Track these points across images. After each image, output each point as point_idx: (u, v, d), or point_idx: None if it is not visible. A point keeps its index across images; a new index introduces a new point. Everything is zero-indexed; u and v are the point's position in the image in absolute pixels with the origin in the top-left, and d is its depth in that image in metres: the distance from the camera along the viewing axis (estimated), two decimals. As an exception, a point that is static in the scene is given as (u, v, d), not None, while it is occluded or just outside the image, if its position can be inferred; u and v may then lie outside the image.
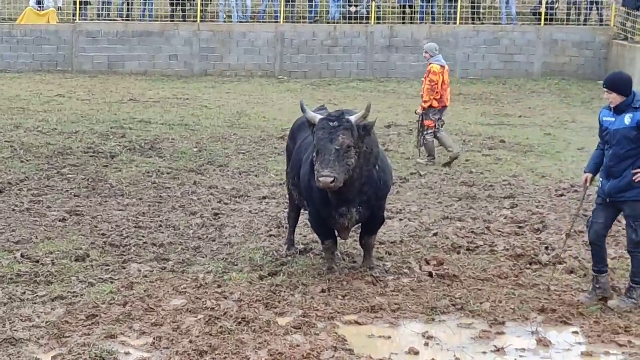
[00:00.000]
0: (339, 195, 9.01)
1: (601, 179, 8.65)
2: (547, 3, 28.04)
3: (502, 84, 26.73)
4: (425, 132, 15.41)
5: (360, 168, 8.89)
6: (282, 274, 9.46)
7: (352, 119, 8.74)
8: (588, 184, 9.04)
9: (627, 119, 8.29)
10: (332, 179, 8.47)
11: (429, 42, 17.87)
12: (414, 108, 21.18)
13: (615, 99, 8.41)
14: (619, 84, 8.47)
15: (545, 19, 28.09)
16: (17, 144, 16.23)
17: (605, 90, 8.54)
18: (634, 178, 8.23)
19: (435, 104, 15.60)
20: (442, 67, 15.73)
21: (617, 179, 8.39)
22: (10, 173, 14.00)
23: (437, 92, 15.54)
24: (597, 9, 28.40)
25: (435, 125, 15.55)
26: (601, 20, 28.36)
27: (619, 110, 8.38)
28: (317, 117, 8.95)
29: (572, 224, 10.04)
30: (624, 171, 8.31)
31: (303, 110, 9.35)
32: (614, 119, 8.43)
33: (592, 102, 23.70)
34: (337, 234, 9.56)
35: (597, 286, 8.72)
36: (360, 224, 9.60)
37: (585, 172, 9.04)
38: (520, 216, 12.04)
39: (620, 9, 27.55)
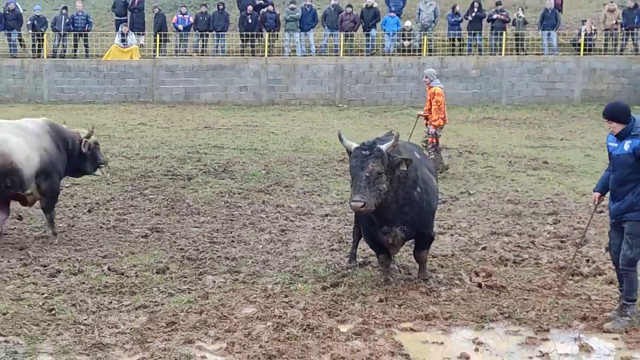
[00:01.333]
0: (378, 216, 9.02)
1: (609, 202, 8.52)
2: (585, 34, 27.80)
3: (545, 109, 26.51)
4: (429, 148, 15.40)
5: (395, 191, 8.86)
6: (343, 285, 9.46)
7: (383, 147, 8.70)
8: (597, 202, 8.92)
9: (627, 145, 8.16)
10: (362, 204, 8.51)
11: (429, 68, 18.07)
12: (463, 132, 21.26)
13: (615, 127, 8.28)
14: (616, 113, 8.33)
15: (584, 49, 27.85)
16: (104, 168, 16.46)
17: (605, 120, 8.42)
18: None
19: (441, 122, 15.95)
20: (442, 89, 16.23)
21: (619, 202, 8.25)
22: (97, 194, 14.23)
23: (442, 111, 15.94)
24: (632, 39, 28.09)
25: (436, 141, 15.85)
26: (636, 50, 28.03)
27: (620, 137, 8.26)
28: (353, 145, 8.92)
29: (582, 236, 10.10)
30: (625, 194, 8.17)
31: (340, 139, 9.32)
32: (616, 145, 8.31)
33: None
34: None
35: (624, 315, 8.38)
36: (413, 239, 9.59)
37: (594, 191, 8.91)
38: (563, 231, 11.93)
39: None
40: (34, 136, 10.99)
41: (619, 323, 8.24)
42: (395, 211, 9.02)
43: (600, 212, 13.04)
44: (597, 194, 8.82)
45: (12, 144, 10.58)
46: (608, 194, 8.57)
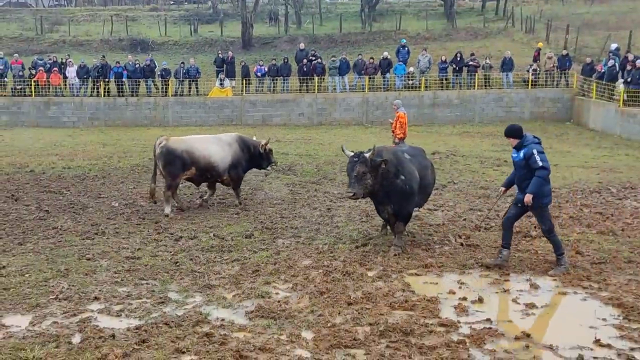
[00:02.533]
0: (375, 200, 9.25)
1: (517, 193, 8.45)
2: (532, 74, 27.48)
3: (504, 125, 25.99)
4: None
5: (380, 183, 8.86)
6: (369, 245, 9.46)
7: (366, 155, 8.83)
8: (502, 194, 8.95)
9: (521, 154, 8.20)
10: (352, 194, 8.76)
11: (397, 99, 18.23)
12: (452, 143, 21.06)
13: (513, 141, 8.35)
14: (512, 132, 8.39)
15: (531, 84, 27.51)
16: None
17: (506, 137, 8.44)
18: (525, 201, 8.10)
19: (402, 136, 16.31)
20: (405, 113, 16.50)
21: (523, 191, 8.22)
22: (204, 185, 14.33)
23: (404, 129, 16.35)
24: (564, 77, 27.66)
25: None
26: (567, 84, 27.58)
27: (517, 148, 8.28)
28: (349, 154, 9.09)
29: (490, 209, 10.47)
30: (526, 187, 8.14)
31: (343, 150, 9.63)
32: (516, 154, 8.32)
33: (562, 136, 23.00)
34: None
35: (500, 256, 8.41)
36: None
37: (501, 186, 8.89)
38: (518, 207, 11.78)
39: (579, 76, 26.80)
40: (227, 144, 11.96)
41: (558, 269, 8.15)
42: (384, 196, 9.03)
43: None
44: (503, 189, 8.83)
45: (211, 150, 11.68)
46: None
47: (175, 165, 11.35)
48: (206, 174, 11.77)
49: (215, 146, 11.81)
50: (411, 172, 9.21)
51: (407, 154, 9.58)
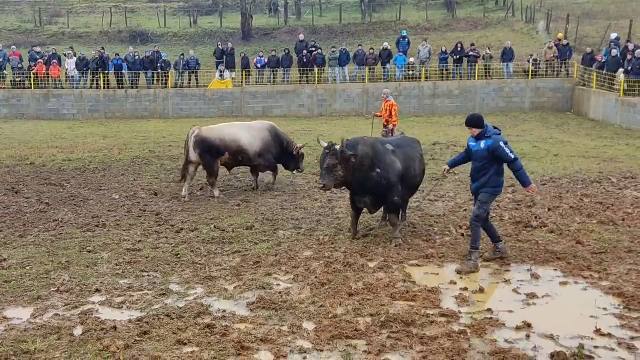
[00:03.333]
0: (351, 191, 9.23)
1: (470, 183, 8.43)
2: (532, 64, 27.42)
3: (505, 115, 26.10)
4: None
5: (353, 175, 8.85)
6: (370, 236, 9.46)
7: (337, 148, 8.84)
8: (446, 172, 9.06)
9: (483, 144, 8.09)
10: (322, 185, 8.83)
11: (386, 89, 18.14)
12: (452, 133, 21.03)
13: (474, 131, 8.18)
14: (474, 122, 8.22)
15: (532, 75, 27.45)
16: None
17: (467, 127, 8.27)
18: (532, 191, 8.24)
19: (396, 123, 16.44)
20: (394, 102, 16.59)
21: (477, 182, 8.19)
22: (202, 179, 14.31)
23: (396, 117, 16.35)
24: (565, 67, 27.59)
25: (392, 134, 15.75)
26: (567, 74, 27.52)
27: (478, 138, 8.15)
28: (324, 145, 9.10)
29: (427, 194, 10.73)
30: (481, 177, 8.12)
31: (318, 142, 9.68)
32: (475, 144, 8.19)
33: (562, 126, 22.98)
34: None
35: (497, 250, 8.35)
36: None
37: (446, 164, 8.96)
38: (518, 198, 11.76)
39: (580, 66, 26.74)
40: (257, 131, 12.56)
41: (466, 265, 8.00)
42: (358, 187, 9.02)
43: (544, 184, 12.89)
44: (447, 167, 8.89)
45: (240, 135, 12.29)
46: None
47: (212, 152, 11.97)
48: (238, 157, 12.35)
49: (244, 132, 12.44)
50: (389, 164, 9.06)
51: (390, 145, 9.38)
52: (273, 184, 13.00)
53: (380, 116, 16.70)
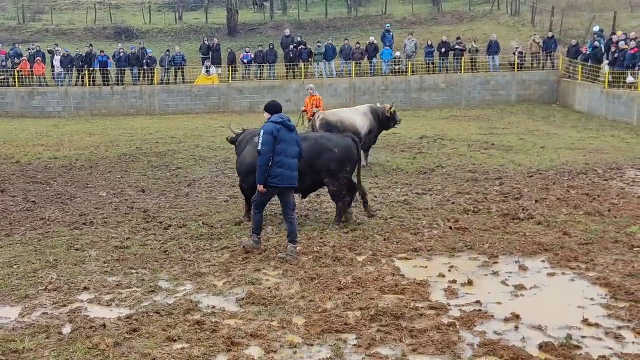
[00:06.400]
0: None
1: None
2: (518, 57, 27.56)
3: (492, 108, 26.23)
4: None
5: None
6: (359, 230, 9.47)
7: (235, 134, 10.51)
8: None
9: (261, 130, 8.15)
10: None
11: (311, 84, 18.12)
12: (439, 127, 21.08)
13: (266, 116, 8.33)
14: (265, 107, 8.48)
15: (518, 67, 27.58)
16: (197, 156, 16.55)
17: (264, 112, 8.43)
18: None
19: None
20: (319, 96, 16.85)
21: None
22: (193, 174, 14.31)
23: (322, 109, 16.18)
24: (550, 60, 27.74)
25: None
26: (553, 66, 27.68)
27: None
28: (237, 132, 10.58)
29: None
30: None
31: (231, 129, 10.85)
32: None
33: (548, 118, 23.13)
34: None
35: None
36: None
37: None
38: (506, 190, 11.83)
39: (565, 59, 26.89)
40: (363, 114, 14.21)
41: (289, 255, 8.13)
42: None
43: (531, 176, 12.97)
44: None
45: (356, 119, 13.96)
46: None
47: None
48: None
49: (357, 116, 14.08)
50: (244, 154, 9.70)
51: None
52: (366, 165, 14.11)
53: (306, 111, 16.50)
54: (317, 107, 16.10)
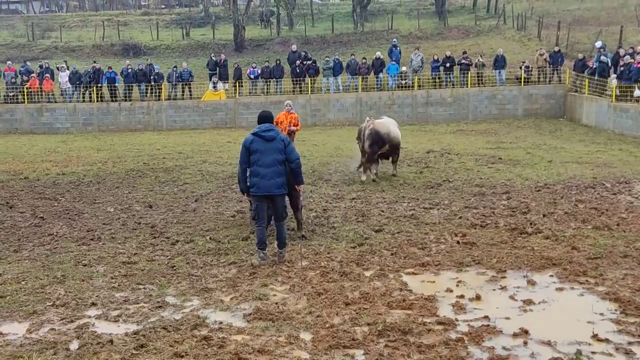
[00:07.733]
0: None
1: None
2: (525, 72, 27.58)
3: (498, 122, 26.23)
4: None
5: None
6: (365, 245, 9.45)
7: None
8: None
9: None
10: None
11: (289, 100, 17.67)
12: (446, 141, 21.07)
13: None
14: (259, 117, 8.65)
15: (524, 81, 27.60)
16: (204, 171, 16.58)
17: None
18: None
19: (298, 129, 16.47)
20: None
21: None
22: (201, 189, 14.32)
23: (300, 126, 16.54)
24: (557, 74, 27.76)
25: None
26: (559, 80, 27.69)
27: None
28: None
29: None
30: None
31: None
32: None
33: (555, 132, 23.10)
34: None
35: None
36: None
37: None
38: (513, 204, 11.79)
39: (572, 73, 26.89)
40: (397, 126, 14.70)
41: (281, 255, 8.63)
42: None
43: (539, 190, 12.93)
44: None
45: (398, 131, 14.55)
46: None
47: (378, 144, 13.92)
48: (393, 149, 14.40)
49: (397, 128, 14.61)
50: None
51: None
52: (395, 175, 14.91)
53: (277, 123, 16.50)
54: (294, 125, 16.06)
